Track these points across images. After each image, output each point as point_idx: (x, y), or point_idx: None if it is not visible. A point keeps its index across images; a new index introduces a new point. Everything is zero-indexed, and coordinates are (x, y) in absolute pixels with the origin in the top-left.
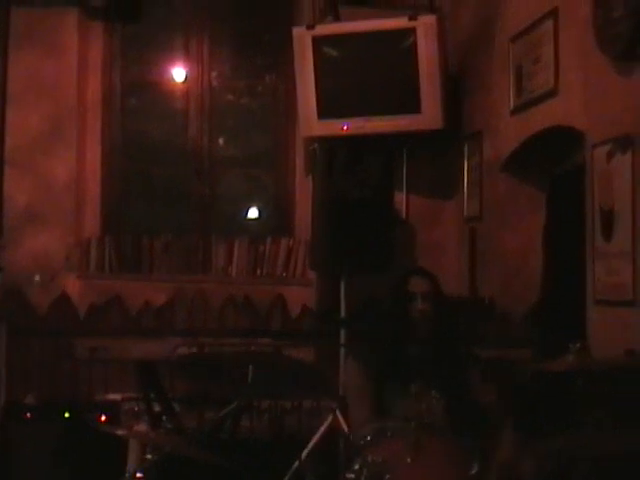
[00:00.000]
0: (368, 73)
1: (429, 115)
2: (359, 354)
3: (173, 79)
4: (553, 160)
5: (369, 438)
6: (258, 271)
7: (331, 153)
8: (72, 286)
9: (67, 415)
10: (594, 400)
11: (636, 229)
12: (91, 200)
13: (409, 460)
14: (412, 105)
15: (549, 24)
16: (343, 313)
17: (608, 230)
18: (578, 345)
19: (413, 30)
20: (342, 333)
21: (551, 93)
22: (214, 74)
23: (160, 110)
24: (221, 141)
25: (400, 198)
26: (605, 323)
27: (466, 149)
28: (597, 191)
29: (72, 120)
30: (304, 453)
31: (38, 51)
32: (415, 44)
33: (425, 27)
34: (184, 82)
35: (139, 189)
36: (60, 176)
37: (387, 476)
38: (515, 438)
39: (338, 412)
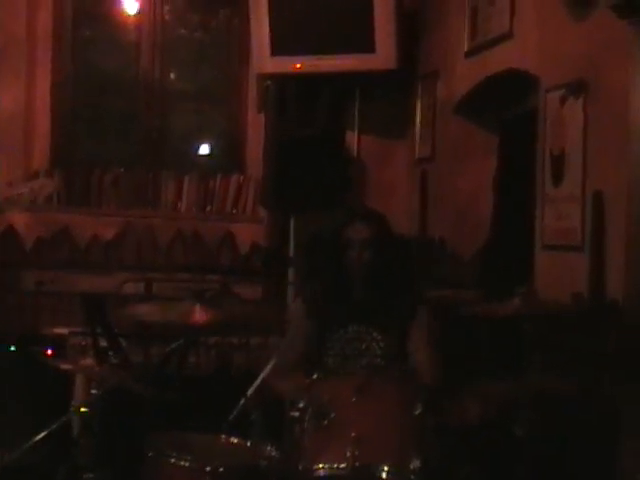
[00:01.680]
0: (323, 11)
1: (383, 55)
2: (303, 293)
3: (125, 11)
4: (506, 104)
5: (315, 377)
6: (208, 207)
7: (283, 90)
8: (19, 219)
9: (13, 349)
10: (540, 343)
11: (586, 174)
12: (40, 132)
13: (354, 399)
14: (366, 44)
15: None
16: (292, 251)
17: (558, 175)
18: (525, 289)
19: None
20: (290, 271)
21: (506, 36)
22: (167, 7)
23: (112, 42)
24: (173, 75)
25: (352, 137)
26: (553, 268)
27: (420, 90)
28: (549, 135)
29: (21, 50)
30: (250, 390)
31: None
32: None
33: None
34: (136, 14)
35: (89, 122)
36: (7, 107)
37: (332, 415)
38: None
39: None
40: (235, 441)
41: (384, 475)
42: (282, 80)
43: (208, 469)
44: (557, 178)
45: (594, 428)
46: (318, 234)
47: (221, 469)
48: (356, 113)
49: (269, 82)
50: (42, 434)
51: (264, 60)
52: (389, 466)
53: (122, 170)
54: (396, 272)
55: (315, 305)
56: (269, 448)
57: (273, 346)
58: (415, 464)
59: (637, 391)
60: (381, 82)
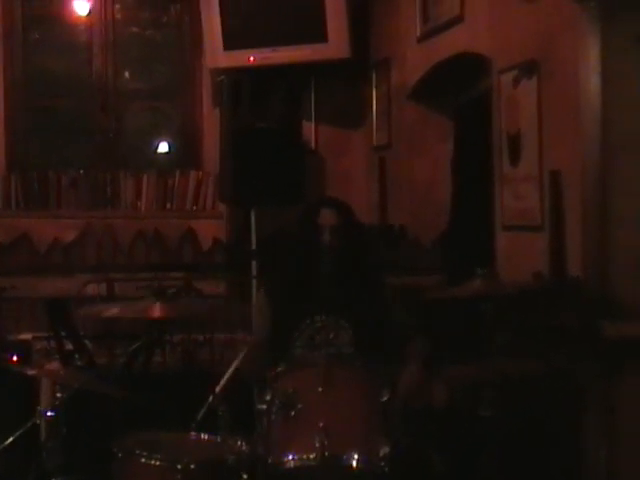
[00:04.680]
0: (273, 3)
1: (336, 44)
2: (267, 285)
3: (76, 12)
4: (460, 87)
5: (280, 369)
6: (168, 205)
7: (238, 84)
8: None
9: None
10: (502, 323)
11: (542, 154)
12: None
13: (320, 389)
14: (318, 34)
15: None
16: (254, 245)
17: (515, 155)
18: (485, 270)
19: None
20: (253, 265)
21: (457, 20)
22: (117, 6)
23: (64, 44)
24: (127, 74)
25: (309, 128)
26: (513, 248)
27: (374, 77)
28: (504, 117)
29: None
30: (218, 387)
31: None
32: None
33: None
34: (88, 15)
35: (44, 124)
36: None
37: (299, 406)
38: (419, 365)
39: None
40: (204, 437)
41: (354, 463)
42: (236, 74)
43: (179, 467)
44: (514, 158)
45: (558, 406)
46: (281, 226)
47: (192, 466)
48: (312, 104)
49: (223, 77)
50: (9, 440)
51: (217, 55)
52: (359, 454)
53: (80, 171)
54: (363, 259)
55: (279, 297)
56: (238, 442)
57: (239, 342)
58: (384, 450)
59: (600, 368)
60: (335, 72)
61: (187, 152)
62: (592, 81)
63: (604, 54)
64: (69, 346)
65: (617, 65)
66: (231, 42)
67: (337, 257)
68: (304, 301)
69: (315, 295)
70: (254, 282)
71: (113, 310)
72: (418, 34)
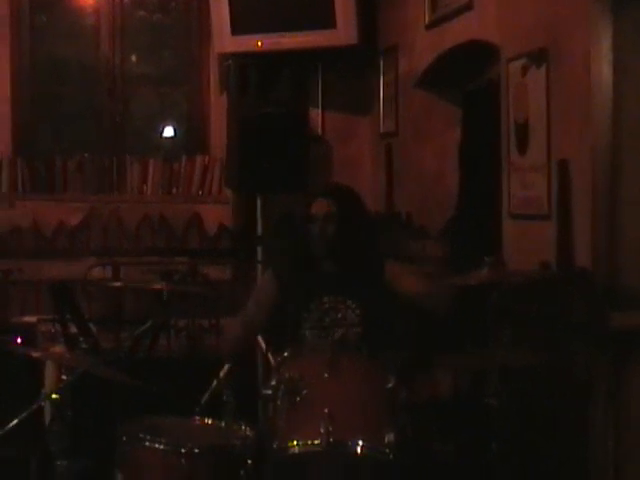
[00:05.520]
0: None
1: (344, 30)
2: (275, 267)
3: None
4: (468, 75)
5: (286, 354)
6: (174, 190)
7: (245, 70)
8: None
9: None
10: (509, 312)
11: (550, 143)
12: (1, 121)
13: (326, 375)
14: (327, 20)
15: None
16: (260, 231)
17: (523, 144)
18: (492, 258)
19: None
20: (259, 251)
21: (466, 7)
22: None
23: (70, 27)
24: (134, 58)
25: (316, 114)
26: (520, 237)
27: (382, 64)
28: (512, 105)
29: None
30: (222, 372)
31: None
32: None
33: None
34: None
35: (50, 109)
36: None
37: (304, 392)
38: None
39: None
40: (209, 422)
41: (359, 450)
42: (243, 59)
43: (183, 451)
44: (522, 147)
45: (565, 396)
46: (287, 213)
47: (196, 450)
48: (319, 90)
49: (230, 61)
50: (13, 422)
51: (225, 40)
52: (363, 440)
53: (86, 156)
54: (363, 243)
55: (286, 279)
56: (243, 428)
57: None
58: (389, 438)
59: (607, 358)
60: (343, 58)
61: (193, 137)
62: (603, 70)
63: (615, 42)
64: (74, 329)
65: (628, 53)
66: (239, 27)
67: (333, 243)
68: (309, 284)
69: (319, 278)
70: (259, 268)
71: None
72: (427, 21)
